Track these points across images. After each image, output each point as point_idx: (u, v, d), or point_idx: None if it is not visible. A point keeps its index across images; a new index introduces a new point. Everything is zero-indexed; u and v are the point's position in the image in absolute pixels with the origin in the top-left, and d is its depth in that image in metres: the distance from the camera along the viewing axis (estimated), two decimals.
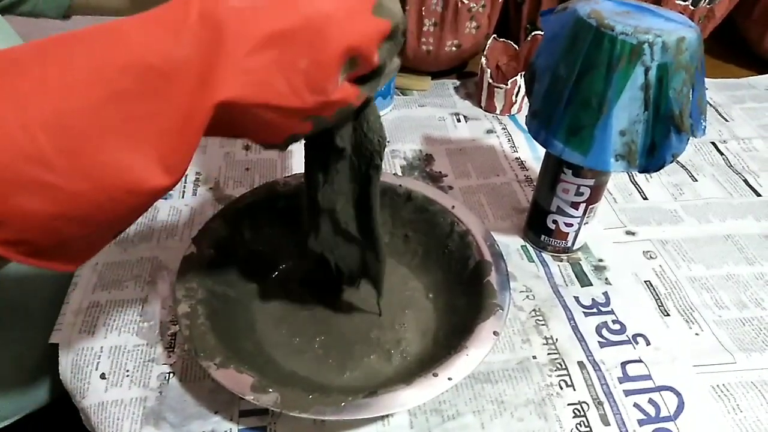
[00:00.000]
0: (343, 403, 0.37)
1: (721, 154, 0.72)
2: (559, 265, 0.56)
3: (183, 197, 0.62)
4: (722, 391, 0.46)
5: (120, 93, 0.24)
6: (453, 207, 0.52)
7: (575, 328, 0.50)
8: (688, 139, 0.45)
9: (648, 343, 0.49)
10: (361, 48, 0.29)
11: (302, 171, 0.41)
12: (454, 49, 0.77)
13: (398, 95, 0.80)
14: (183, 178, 0.63)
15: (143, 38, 0.25)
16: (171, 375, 0.45)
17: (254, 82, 0.26)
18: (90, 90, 0.24)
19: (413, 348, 0.47)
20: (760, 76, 0.87)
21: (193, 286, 0.45)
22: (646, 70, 0.41)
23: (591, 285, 0.54)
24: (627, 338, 0.49)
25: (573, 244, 0.56)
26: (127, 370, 0.46)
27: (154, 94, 0.25)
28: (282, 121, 0.29)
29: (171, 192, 0.62)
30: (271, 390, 0.38)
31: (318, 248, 0.43)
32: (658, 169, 0.45)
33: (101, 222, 0.27)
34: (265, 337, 0.47)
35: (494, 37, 0.76)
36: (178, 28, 0.25)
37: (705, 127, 0.45)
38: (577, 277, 0.55)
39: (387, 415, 0.43)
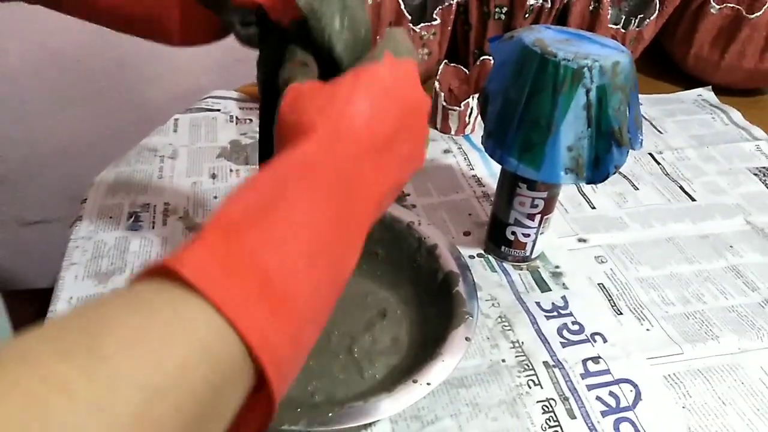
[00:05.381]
0: (329, 414, 0.39)
1: (658, 163, 0.78)
2: (519, 274, 0.59)
3: (153, 228, 0.62)
4: (673, 380, 0.50)
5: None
6: (419, 224, 0.55)
7: (539, 331, 0.53)
8: (628, 151, 0.50)
9: (605, 341, 0.53)
10: None
11: None
12: None
13: None
14: (152, 209, 0.64)
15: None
16: None
17: None
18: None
19: (385, 359, 0.49)
20: (687, 91, 0.94)
21: None
22: (587, 92, 0.46)
23: (550, 290, 0.58)
24: (586, 337, 0.53)
25: (531, 253, 0.59)
26: None
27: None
28: None
29: (141, 223, 0.63)
30: None
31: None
32: (603, 180, 0.49)
33: None
34: None
35: (445, 63, 0.80)
36: None
37: (642, 140, 0.50)
38: (537, 284, 0.58)
39: (369, 424, 0.45)
